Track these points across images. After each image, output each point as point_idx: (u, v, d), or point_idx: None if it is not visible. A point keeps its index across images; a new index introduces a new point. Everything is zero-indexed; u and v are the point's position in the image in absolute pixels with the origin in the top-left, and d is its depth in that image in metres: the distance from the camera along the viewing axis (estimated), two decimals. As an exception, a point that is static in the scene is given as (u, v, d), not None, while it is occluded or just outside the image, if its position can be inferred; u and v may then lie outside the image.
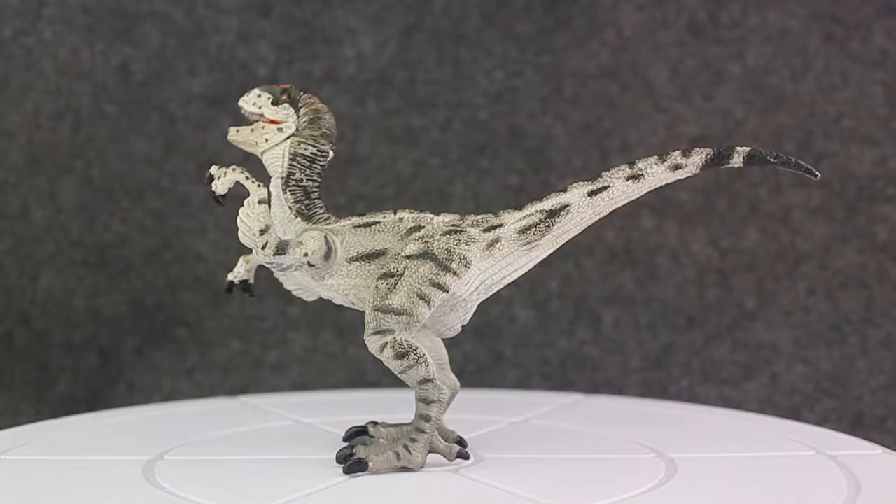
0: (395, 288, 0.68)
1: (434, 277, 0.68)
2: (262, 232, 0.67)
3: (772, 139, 1.20)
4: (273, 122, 0.72)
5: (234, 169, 0.69)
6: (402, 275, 0.68)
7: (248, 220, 0.68)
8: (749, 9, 1.20)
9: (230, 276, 0.76)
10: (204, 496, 0.63)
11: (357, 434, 0.73)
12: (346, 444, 0.72)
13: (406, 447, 0.68)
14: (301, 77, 1.21)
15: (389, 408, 0.84)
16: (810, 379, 1.20)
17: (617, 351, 1.21)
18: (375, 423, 0.73)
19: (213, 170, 0.70)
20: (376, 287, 0.68)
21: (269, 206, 0.69)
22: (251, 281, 0.76)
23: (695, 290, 1.21)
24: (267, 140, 0.71)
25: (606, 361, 1.21)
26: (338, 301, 0.71)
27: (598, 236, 1.21)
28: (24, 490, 0.66)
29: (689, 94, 1.21)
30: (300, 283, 0.72)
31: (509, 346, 1.21)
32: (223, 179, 0.69)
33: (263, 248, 0.68)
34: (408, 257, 0.68)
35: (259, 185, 0.68)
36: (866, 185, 1.20)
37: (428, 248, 0.68)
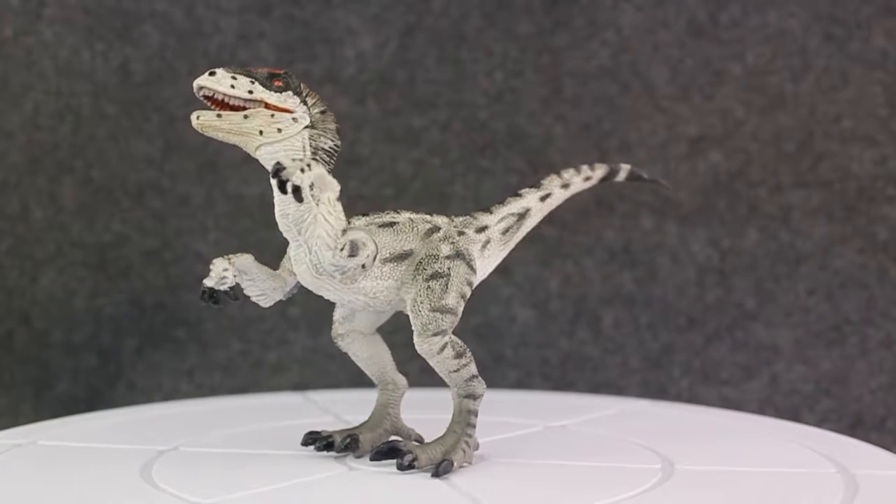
0: (447, 288, 0.68)
1: (468, 277, 0.69)
2: (345, 232, 0.65)
3: (772, 139, 1.20)
4: (283, 110, 0.66)
5: (313, 161, 0.64)
6: (449, 275, 0.68)
7: (332, 218, 0.64)
8: (749, 9, 1.20)
9: (211, 283, 0.68)
10: (203, 496, 0.63)
11: (393, 450, 0.69)
12: (384, 454, 0.69)
13: (467, 442, 0.68)
14: (301, 77, 1.21)
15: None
16: (810, 379, 1.20)
17: (617, 351, 1.21)
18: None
19: (286, 161, 0.64)
20: (429, 288, 0.67)
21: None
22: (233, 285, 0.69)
23: (695, 290, 1.21)
24: (280, 130, 0.65)
25: (606, 361, 1.21)
26: (358, 305, 0.68)
27: (598, 236, 1.21)
28: (23, 490, 0.66)
29: (689, 94, 1.21)
30: (264, 289, 0.69)
31: (509, 346, 1.21)
32: (308, 173, 0.63)
33: (342, 249, 0.64)
34: (447, 258, 0.69)
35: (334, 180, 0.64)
36: (866, 185, 1.20)
37: (458, 249, 0.69)
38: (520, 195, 0.75)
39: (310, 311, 1.20)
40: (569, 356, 1.21)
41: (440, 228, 0.70)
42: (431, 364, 0.68)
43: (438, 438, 0.69)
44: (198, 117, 0.65)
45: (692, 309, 1.21)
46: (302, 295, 1.20)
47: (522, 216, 0.75)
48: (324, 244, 0.64)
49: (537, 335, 1.21)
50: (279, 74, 0.66)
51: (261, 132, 0.65)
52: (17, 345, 1.20)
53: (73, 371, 1.20)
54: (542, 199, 0.76)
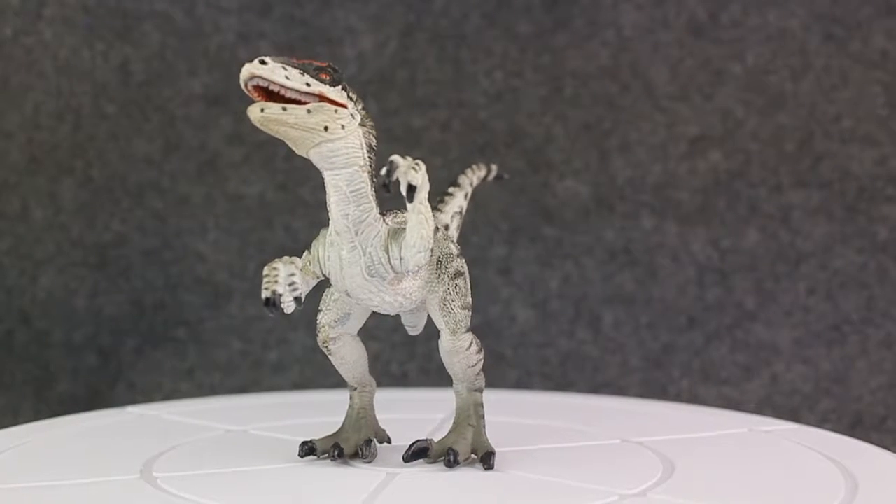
0: (467, 285, 0.68)
1: (466, 274, 0.70)
2: (436, 231, 0.65)
3: (772, 139, 1.20)
4: (341, 105, 0.62)
5: (420, 159, 0.62)
6: (465, 273, 0.69)
7: (431, 220, 0.63)
8: (749, 9, 1.20)
9: (281, 290, 0.64)
10: (202, 496, 0.63)
11: (422, 450, 0.69)
12: (416, 455, 0.69)
13: (483, 433, 0.69)
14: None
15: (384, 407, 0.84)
16: (810, 379, 1.20)
17: (617, 351, 1.21)
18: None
19: (398, 159, 0.62)
20: (456, 286, 0.68)
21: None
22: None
23: (695, 290, 1.21)
24: (343, 127, 0.62)
25: (606, 361, 1.21)
26: (393, 306, 0.67)
27: (598, 236, 1.21)
28: (23, 490, 0.66)
29: (689, 94, 1.21)
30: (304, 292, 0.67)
31: (509, 346, 1.21)
32: (421, 173, 0.62)
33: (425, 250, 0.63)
34: (459, 256, 0.69)
35: None
36: (866, 185, 1.20)
37: (457, 247, 0.70)
38: (451, 194, 0.76)
39: (310, 311, 1.19)
40: (569, 356, 1.21)
41: (438, 228, 0.70)
42: (453, 360, 0.68)
43: (455, 432, 0.69)
44: (262, 110, 0.60)
45: (692, 309, 1.21)
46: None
47: (459, 213, 0.76)
48: (423, 246, 0.63)
49: (537, 335, 1.21)
50: (325, 67, 0.63)
51: (326, 128, 0.62)
52: (17, 345, 1.20)
53: (73, 371, 1.20)
54: (465, 196, 0.77)
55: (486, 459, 0.68)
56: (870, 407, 1.19)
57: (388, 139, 1.22)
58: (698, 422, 0.85)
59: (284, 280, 0.64)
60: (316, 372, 1.21)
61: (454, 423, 0.70)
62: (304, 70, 0.61)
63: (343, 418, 0.72)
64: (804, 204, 1.20)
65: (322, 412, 0.88)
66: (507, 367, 1.21)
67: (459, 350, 0.68)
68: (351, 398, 0.72)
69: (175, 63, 1.20)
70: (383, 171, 0.62)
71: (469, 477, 0.67)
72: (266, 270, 0.64)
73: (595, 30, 1.21)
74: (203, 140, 1.21)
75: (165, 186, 1.21)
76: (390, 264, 0.64)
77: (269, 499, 0.63)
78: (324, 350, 0.71)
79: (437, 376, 0.71)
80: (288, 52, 1.22)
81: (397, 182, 0.61)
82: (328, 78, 0.62)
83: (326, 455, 0.70)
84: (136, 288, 1.21)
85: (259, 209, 1.21)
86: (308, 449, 0.70)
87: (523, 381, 1.20)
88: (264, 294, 0.63)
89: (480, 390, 0.70)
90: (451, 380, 0.70)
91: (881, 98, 1.20)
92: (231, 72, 1.21)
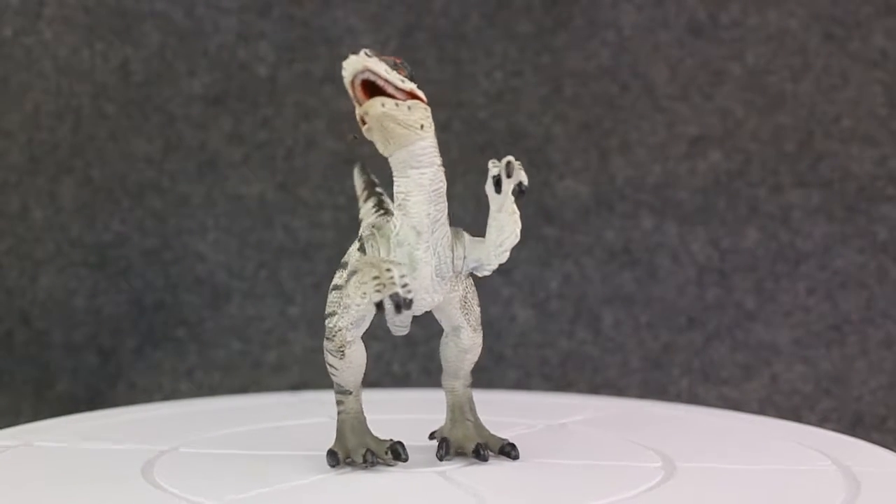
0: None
1: None
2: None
3: (772, 139, 1.20)
4: (425, 102, 0.62)
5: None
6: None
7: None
8: (749, 9, 1.20)
9: (400, 290, 0.60)
10: (203, 495, 0.63)
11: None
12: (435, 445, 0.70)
13: (484, 427, 0.71)
14: (301, 77, 1.21)
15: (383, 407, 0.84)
16: (810, 379, 1.20)
17: (617, 351, 1.21)
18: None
19: (511, 159, 0.63)
20: (472, 284, 0.68)
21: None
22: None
23: (695, 290, 1.21)
24: (432, 125, 0.62)
25: (606, 361, 1.21)
26: (434, 306, 0.66)
27: (598, 236, 1.21)
28: (23, 490, 0.66)
29: (689, 94, 1.21)
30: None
31: (509, 346, 1.21)
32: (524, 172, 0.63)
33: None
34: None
35: None
36: (866, 185, 1.20)
37: None
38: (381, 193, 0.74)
39: (310, 311, 1.20)
40: (569, 356, 1.21)
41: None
42: (466, 357, 0.69)
43: (457, 428, 0.70)
44: (383, 104, 0.60)
45: (692, 309, 1.21)
46: (302, 295, 1.21)
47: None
48: (511, 246, 0.64)
49: (537, 335, 1.21)
50: (400, 63, 0.62)
51: (422, 126, 0.62)
52: (17, 345, 1.20)
53: (73, 371, 1.20)
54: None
55: (512, 450, 0.69)
56: (870, 407, 1.19)
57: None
58: (699, 422, 0.85)
59: (399, 282, 0.60)
60: (316, 372, 1.21)
61: (451, 419, 0.70)
62: (388, 66, 0.61)
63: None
64: (804, 204, 1.20)
65: (323, 412, 0.88)
66: (507, 367, 1.21)
67: (476, 346, 0.69)
68: (344, 403, 0.69)
69: (175, 63, 1.20)
70: (494, 171, 0.63)
71: (472, 474, 0.67)
72: (374, 272, 0.60)
73: (595, 30, 1.21)
74: (203, 140, 1.21)
75: (165, 186, 1.21)
76: (453, 264, 0.64)
77: (270, 498, 0.63)
78: (334, 355, 0.67)
79: (439, 376, 0.71)
80: (288, 52, 1.22)
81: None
82: (406, 74, 0.61)
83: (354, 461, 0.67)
84: (136, 288, 1.21)
85: (259, 209, 1.21)
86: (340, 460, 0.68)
87: (523, 381, 1.20)
88: (391, 296, 0.60)
89: (471, 386, 0.71)
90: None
91: (881, 98, 1.20)
92: (231, 72, 1.21)
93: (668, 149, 1.21)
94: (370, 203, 0.74)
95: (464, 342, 0.69)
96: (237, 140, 1.21)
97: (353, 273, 0.64)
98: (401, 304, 0.59)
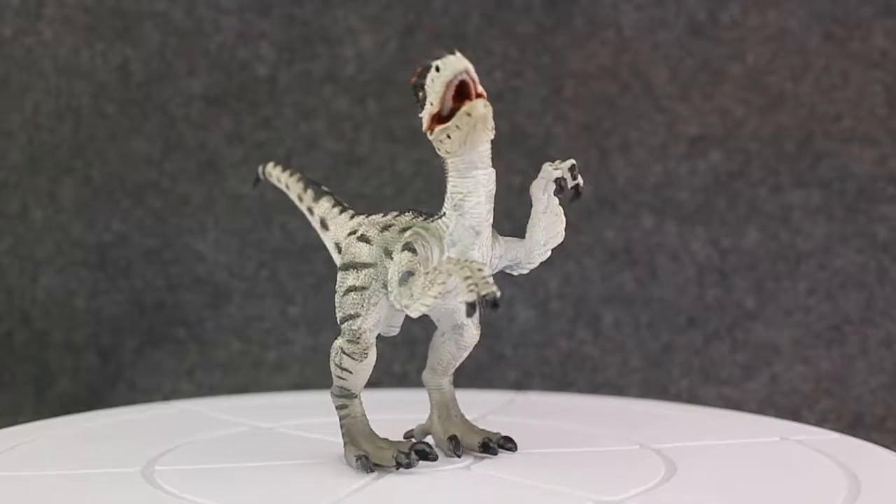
0: None
1: None
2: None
3: (772, 139, 1.20)
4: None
5: None
6: None
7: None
8: (749, 9, 1.20)
9: (495, 289, 0.58)
10: (203, 496, 0.63)
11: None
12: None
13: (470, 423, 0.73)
14: (301, 77, 1.21)
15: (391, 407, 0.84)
16: (810, 379, 1.20)
17: (617, 351, 1.21)
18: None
19: (574, 161, 0.65)
20: None
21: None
22: None
23: (695, 290, 1.21)
24: (493, 128, 0.64)
25: (606, 361, 1.21)
26: (440, 311, 0.69)
27: (598, 236, 1.21)
28: (23, 490, 0.66)
29: (689, 94, 1.21)
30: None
31: (509, 346, 1.21)
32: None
33: None
34: None
35: None
36: (866, 185, 1.20)
37: None
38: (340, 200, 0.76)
39: (310, 311, 1.20)
40: (569, 356, 1.21)
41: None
42: (463, 355, 0.71)
43: (456, 426, 0.71)
44: (485, 105, 0.62)
45: (692, 309, 1.21)
46: (302, 294, 1.21)
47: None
48: (555, 245, 0.68)
49: (537, 335, 1.21)
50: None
51: (493, 127, 0.64)
52: (17, 345, 1.20)
53: (73, 371, 1.20)
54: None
55: (508, 443, 0.71)
56: (870, 407, 1.19)
57: (388, 139, 1.22)
58: (699, 422, 0.85)
59: (492, 279, 0.59)
60: (316, 372, 1.21)
61: (438, 417, 0.71)
62: None
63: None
64: (804, 204, 1.20)
65: (323, 412, 0.88)
66: (506, 367, 1.21)
67: (474, 343, 0.71)
68: (348, 406, 0.68)
69: (175, 63, 1.20)
70: (558, 172, 0.65)
71: (472, 474, 0.67)
72: (466, 272, 0.59)
73: (595, 30, 1.21)
74: (203, 140, 1.21)
75: (165, 186, 1.21)
76: (491, 263, 0.65)
77: (270, 498, 0.63)
78: (355, 358, 0.67)
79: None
80: (288, 52, 1.22)
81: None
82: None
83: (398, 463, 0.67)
84: (136, 288, 1.21)
85: (259, 209, 1.21)
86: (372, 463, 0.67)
87: (523, 381, 1.20)
88: (486, 295, 0.58)
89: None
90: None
91: (881, 98, 1.20)
92: (231, 72, 1.21)
93: (669, 149, 1.21)
94: (325, 201, 0.76)
95: (466, 340, 0.70)
96: (237, 140, 1.21)
97: (410, 274, 0.63)
98: (496, 304, 0.58)
